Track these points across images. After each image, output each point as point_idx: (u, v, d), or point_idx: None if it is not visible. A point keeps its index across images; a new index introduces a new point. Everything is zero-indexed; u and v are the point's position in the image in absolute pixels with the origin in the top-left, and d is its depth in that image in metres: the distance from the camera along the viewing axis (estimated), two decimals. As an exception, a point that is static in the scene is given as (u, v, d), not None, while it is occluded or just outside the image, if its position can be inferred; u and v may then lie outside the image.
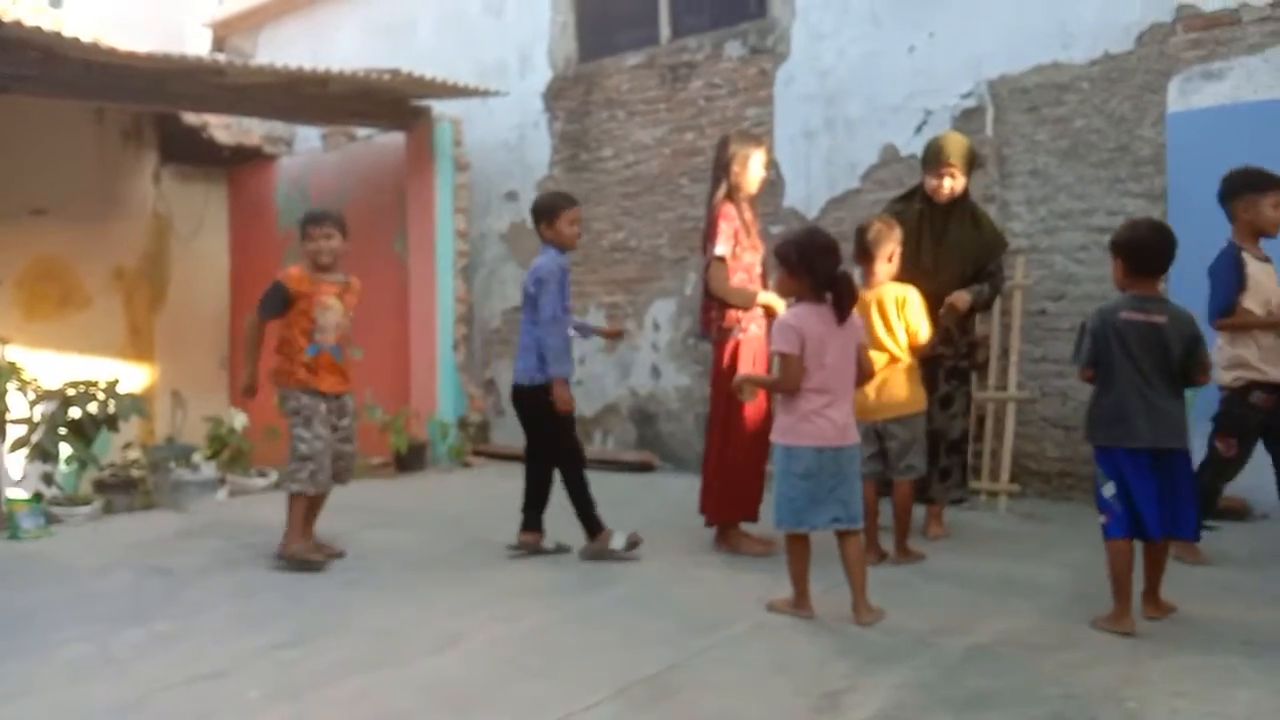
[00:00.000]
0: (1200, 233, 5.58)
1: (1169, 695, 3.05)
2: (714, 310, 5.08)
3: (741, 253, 5.03)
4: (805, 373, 3.83)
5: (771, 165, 7.33)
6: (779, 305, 4.72)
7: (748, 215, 5.10)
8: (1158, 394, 3.71)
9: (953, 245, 5.16)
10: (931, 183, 5.18)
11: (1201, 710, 2.95)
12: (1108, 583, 4.31)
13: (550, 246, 5.08)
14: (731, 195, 5.06)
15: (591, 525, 5.05)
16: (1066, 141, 6.11)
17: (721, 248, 4.97)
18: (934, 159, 5.17)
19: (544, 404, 4.99)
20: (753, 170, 5.09)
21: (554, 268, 5.02)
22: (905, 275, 4.85)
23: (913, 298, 4.73)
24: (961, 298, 5.06)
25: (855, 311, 3.98)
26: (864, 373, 4.05)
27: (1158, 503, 3.71)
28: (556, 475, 5.17)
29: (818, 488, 3.83)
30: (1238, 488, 5.36)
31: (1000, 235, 5.46)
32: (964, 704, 3.03)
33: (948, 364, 5.22)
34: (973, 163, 5.26)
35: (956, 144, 5.20)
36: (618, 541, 4.95)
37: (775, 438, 3.98)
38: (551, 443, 5.15)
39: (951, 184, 5.14)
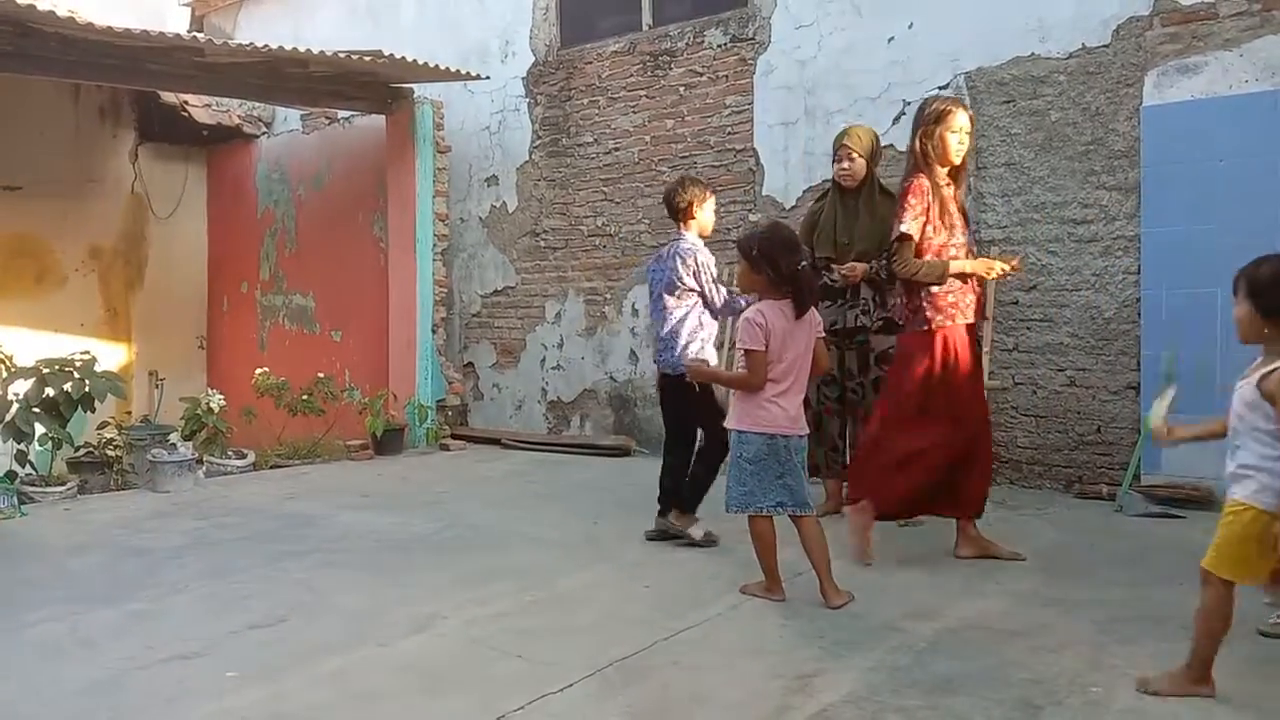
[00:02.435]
0: (1173, 225, 5.67)
1: (1134, 681, 3.10)
2: (904, 296, 4.63)
3: (933, 233, 4.50)
4: (771, 365, 3.89)
5: (753, 152, 7.37)
6: (981, 268, 4.53)
7: (946, 191, 4.57)
8: None
9: (866, 222, 5.32)
10: (834, 166, 5.44)
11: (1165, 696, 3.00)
12: (1075, 568, 4.39)
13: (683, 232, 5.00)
14: (923, 167, 4.55)
15: (687, 507, 4.94)
16: (1042, 134, 6.16)
17: (906, 225, 4.47)
18: (836, 144, 5.44)
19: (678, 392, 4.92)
20: (946, 137, 4.52)
21: (656, 258, 5.06)
22: (829, 253, 5.31)
23: None
24: (856, 267, 5.27)
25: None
26: (819, 365, 4.11)
27: None
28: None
29: (764, 473, 3.91)
30: (1206, 477, 5.45)
31: None
32: (932, 687, 3.07)
33: (876, 349, 5.33)
34: (875, 150, 5.45)
35: (856, 131, 5.44)
36: (697, 531, 4.87)
37: (729, 423, 4.07)
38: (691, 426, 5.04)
39: (851, 165, 5.32)
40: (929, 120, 4.53)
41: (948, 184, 4.58)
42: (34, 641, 3.65)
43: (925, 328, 4.47)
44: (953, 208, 4.55)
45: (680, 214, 4.99)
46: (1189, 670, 3.00)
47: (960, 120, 4.52)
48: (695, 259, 4.85)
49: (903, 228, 4.47)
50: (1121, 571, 4.34)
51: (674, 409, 5.07)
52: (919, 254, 4.48)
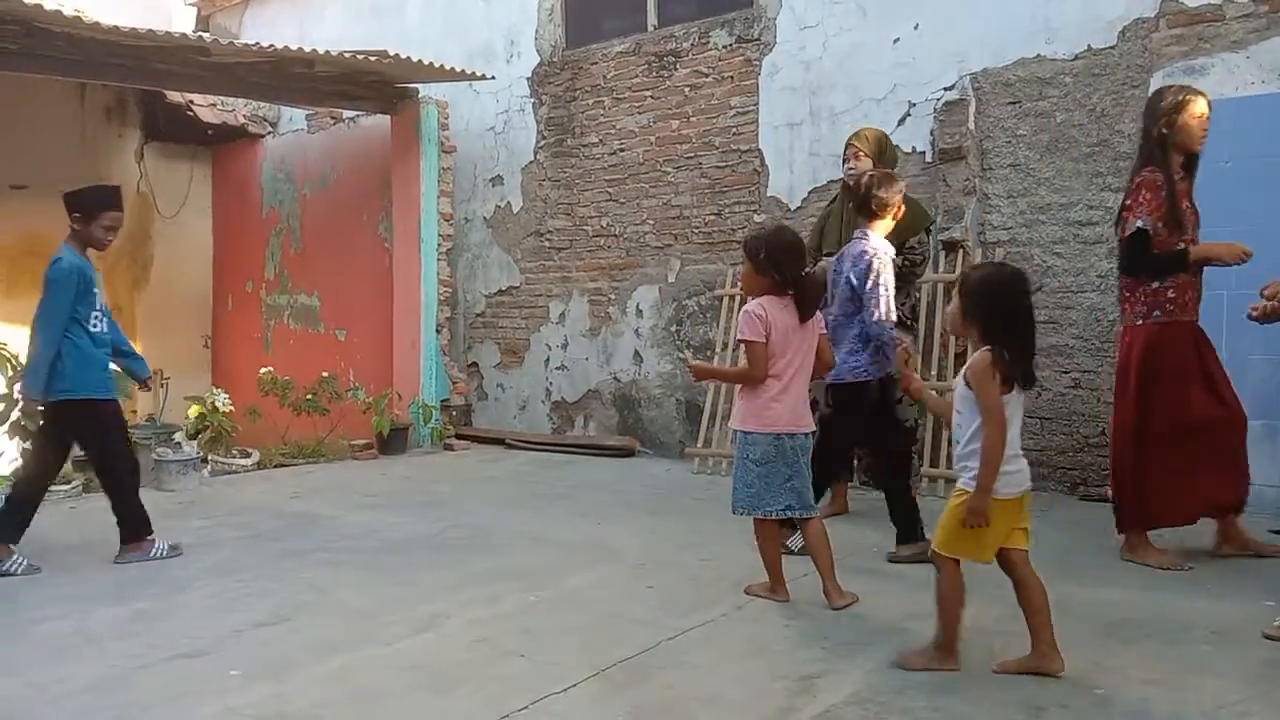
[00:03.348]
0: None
1: (1138, 683, 3.10)
2: (1126, 291, 4.51)
3: (1163, 229, 4.35)
4: (772, 360, 3.88)
5: (758, 153, 7.37)
6: (1225, 253, 4.34)
7: (1181, 185, 4.41)
8: None
9: None
10: (843, 167, 5.39)
11: (1170, 697, 2.99)
12: (1078, 570, 4.38)
13: (867, 230, 4.59)
14: (1158, 159, 4.38)
15: (909, 532, 4.61)
16: (1048, 135, 6.15)
17: (1142, 221, 4.32)
18: (845, 145, 5.39)
19: (857, 399, 4.61)
20: (1190, 124, 4.36)
21: (842, 257, 4.66)
22: (833, 251, 5.11)
23: None
24: None
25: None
26: (824, 363, 4.11)
27: None
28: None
29: (772, 474, 3.89)
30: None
31: (924, 212, 5.48)
32: (936, 689, 3.07)
33: None
34: (883, 150, 5.33)
35: (865, 132, 5.41)
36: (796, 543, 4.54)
37: (734, 424, 4.06)
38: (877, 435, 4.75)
39: (857, 165, 5.25)
40: (1169, 109, 4.39)
41: (1181, 176, 4.43)
42: (39, 639, 3.66)
43: (1140, 322, 4.44)
44: (1185, 203, 4.42)
45: (879, 210, 4.58)
46: (937, 650, 3.25)
47: (1202, 106, 4.39)
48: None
49: (1138, 224, 4.33)
50: (1124, 574, 4.34)
51: (854, 422, 4.69)
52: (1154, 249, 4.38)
